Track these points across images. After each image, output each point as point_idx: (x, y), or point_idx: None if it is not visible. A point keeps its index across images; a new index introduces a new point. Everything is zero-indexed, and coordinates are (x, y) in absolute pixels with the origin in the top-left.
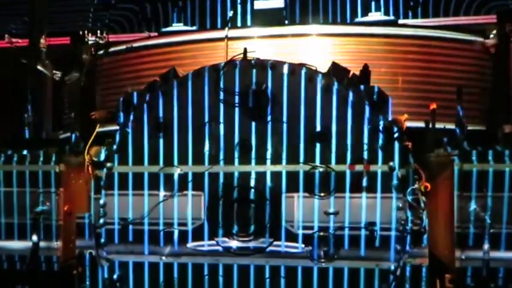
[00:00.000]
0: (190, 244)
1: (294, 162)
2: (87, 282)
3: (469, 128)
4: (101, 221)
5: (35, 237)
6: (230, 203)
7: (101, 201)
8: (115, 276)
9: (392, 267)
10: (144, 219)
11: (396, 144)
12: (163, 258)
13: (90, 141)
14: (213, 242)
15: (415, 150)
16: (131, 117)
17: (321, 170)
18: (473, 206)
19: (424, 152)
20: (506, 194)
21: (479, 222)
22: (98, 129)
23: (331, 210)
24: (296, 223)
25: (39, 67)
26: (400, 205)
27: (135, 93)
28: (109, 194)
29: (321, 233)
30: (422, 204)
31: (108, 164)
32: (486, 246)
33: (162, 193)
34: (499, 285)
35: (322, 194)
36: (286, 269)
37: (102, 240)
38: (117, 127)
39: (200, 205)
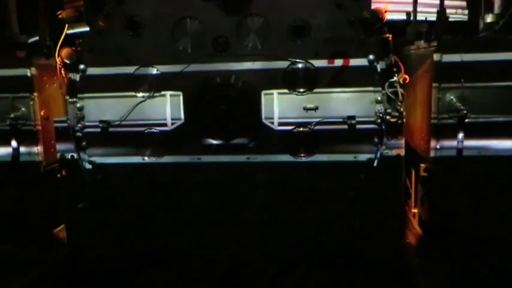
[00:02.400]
0: (171, 143)
1: (273, 58)
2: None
3: (450, 19)
4: (79, 124)
5: (14, 143)
6: (209, 102)
7: (78, 105)
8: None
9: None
10: (123, 120)
11: (376, 37)
12: (145, 158)
13: (60, 42)
14: (194, 141)
15: (395, 42)
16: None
17: (300, 65)
18: (450, 96)
19: (405, 44)
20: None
21: (456, 113)
22: (68, 30)
23: (310, 105)
24: (275, 120)
25: None
26: (379, 98)
27: None
28: (85, 97)
29: (300, 129)
30: (400, 97)
31: (81, 66)
32: (460, 135)
33: (139, 94)
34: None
35: (301, 90)
36: (266, 165)
37: (83, 143)
38: (87, 28)
39: (179, 105)
